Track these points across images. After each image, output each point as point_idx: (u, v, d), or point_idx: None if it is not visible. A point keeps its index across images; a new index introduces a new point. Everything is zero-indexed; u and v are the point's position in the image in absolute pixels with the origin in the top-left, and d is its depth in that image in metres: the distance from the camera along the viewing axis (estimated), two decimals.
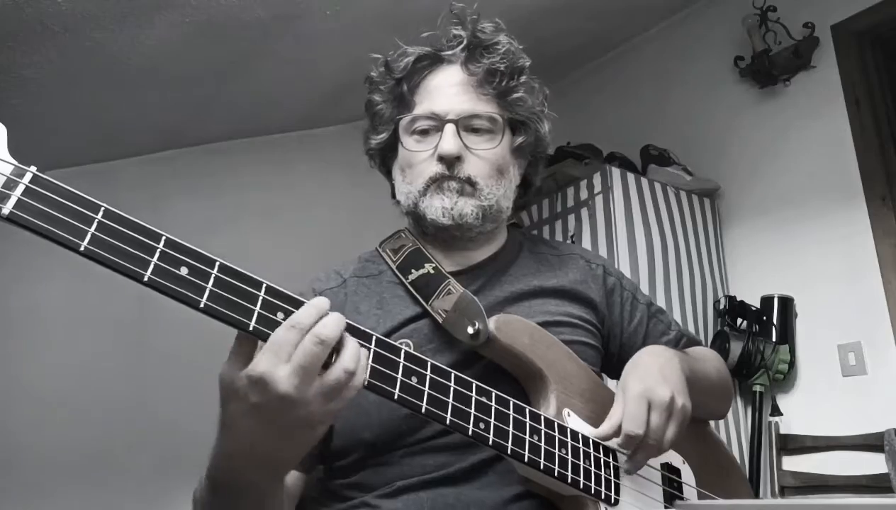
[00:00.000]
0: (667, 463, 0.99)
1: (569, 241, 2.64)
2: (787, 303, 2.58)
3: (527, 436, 0.82)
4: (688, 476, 1.01)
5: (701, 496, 1.01)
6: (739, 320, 2.64)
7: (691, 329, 2.62)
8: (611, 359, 1.11)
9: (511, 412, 0.82)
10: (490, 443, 0.78)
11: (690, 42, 3.19)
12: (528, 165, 1.11)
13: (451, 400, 0.76)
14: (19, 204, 0.56)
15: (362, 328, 0.72)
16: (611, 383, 1.03)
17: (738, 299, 2.67)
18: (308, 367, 0.62)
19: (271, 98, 2.85)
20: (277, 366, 0.62)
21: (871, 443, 2.26)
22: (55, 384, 2.37)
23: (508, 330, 0.91)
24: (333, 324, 0.65)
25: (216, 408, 0.69)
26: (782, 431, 2.51)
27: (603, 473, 0.88)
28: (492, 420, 0.79)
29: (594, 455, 0.88)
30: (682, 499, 0.97)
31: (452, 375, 0.78)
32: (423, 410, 0.74)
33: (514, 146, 1.05)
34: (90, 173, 2.56)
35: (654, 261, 2.61)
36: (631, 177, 2.70)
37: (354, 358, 0.65)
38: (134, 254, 0.60)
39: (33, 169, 0.58)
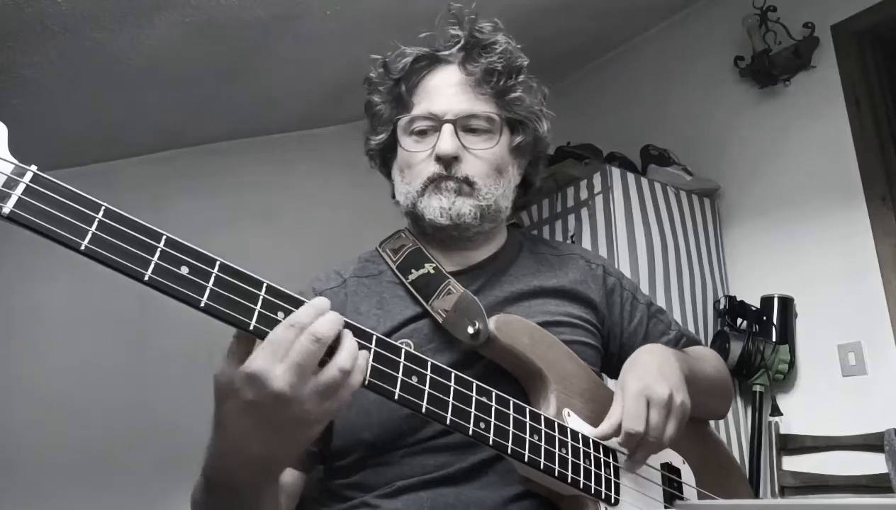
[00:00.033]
0: (667, 463, 0.99)
1: (569, 241, 2.64)
2: (787, 303, 2.59)
3: (527, 436, 0.82)
4: (688, 476, 1.01)
5: (701, 496, 1.01)
6: (739, 320, 2.65)
7: (691, 329, 2.62)
8: (611, 359, 1.11)
9: (511, 412, 0.82)
10: (490, 442, 0.78)
11: (690, 42, 3.19)
12: (528, 165, 1.11)
13: (451, 399, 0.76)
14: (20, 203, 0.56)
15: (363, 328, 0.72)
16: (611, 383, 1.03)
17: (738, 299, 2.67)
18: (303, 365, 0.62)
19: (271, 98, 2.85)
20: (273, 364, 0.62)
21: (871, 443, 2.27)
22: (56, 384, 2.37)
23: (508, 330, 0.91)
24: (330, 322, 0.64)
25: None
26: (782, 431, 2.51)
27: (603, 473, 0.88)
28: (492, 420, 0.79)
29: (594, 455, 0.88)
30: (682, 499, 0.97)
31: (453, 375, 0.78)
32: (424, 410, 0.74)
33: (513, 145, 1.05)
34: (90, 173, 2.56)
35: (654, 261, 2.61)
36: (631, 177, 2.70)
37: (350, 357, 0.65)
38: (135, 253, 0.60)
39: (34, 168, 0.58)
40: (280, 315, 0.66)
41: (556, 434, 0.85)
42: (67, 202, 0.58)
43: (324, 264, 1.11)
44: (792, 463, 2.48)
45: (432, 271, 1.01)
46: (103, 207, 0.60)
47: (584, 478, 0.85)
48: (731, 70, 2.92)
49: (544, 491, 0.87)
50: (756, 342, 2.49)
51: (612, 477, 0.89)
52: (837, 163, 2.58)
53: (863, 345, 2.42)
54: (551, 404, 0.90)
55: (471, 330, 0.90)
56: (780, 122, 2.78)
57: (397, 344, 0.75)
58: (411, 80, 1.05)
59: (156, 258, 0.61)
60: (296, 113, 3.11)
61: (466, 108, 1.01)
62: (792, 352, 2.54)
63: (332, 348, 0.66)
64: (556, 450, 0.84)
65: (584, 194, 2.74)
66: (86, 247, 0.58)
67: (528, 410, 0.84)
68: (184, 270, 0.62)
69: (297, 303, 0.67)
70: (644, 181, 2.74)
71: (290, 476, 0.91)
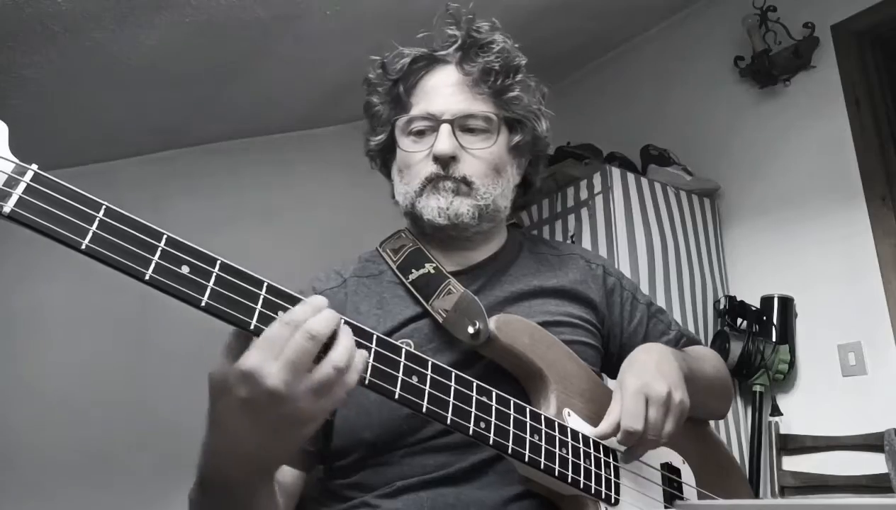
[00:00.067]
0: (667, 463, 0.99)
1: (569, 241, 2.64)
2: (787, 303, 2.59)
3: (527, 436, 0.82)
4: (688, 476, 1.01)
5: (701, 496, 1.01)
6: (739, 320, 2.65)
7: (691, 329, 2.62)
8: (611, 359, 1.11)
9: (512, 412, 0.82)
10: (491, 442, 0.78)
11: (690, 42, 3.20)
12: (528, 165, 1.11)
13: (451, 399, 0.76)
14: (21, 202, 0.56)
15: (363, 327, 0.72)
16: (611, 383, 1.03)
17: (738, 299, 2.68)
18: (297, 362, 0.61)
19: (271, 98, 2.85)
20: (268, 361, 0.61)
21: (871, 443, 2.27)
22: (56, 383, 2.37)
23: (509, 330, 0.91)
24: (325, 319, 0.64)
25: None
26: (782, 431, 2.51)
27: (603, 473, 0.88)
28: (492, 419, 0.79)
29: (594, 455, 0.88)
30: (682, 499, 0.97)
31: (453, 375, 0.78)
32: (424, 410, 0.74)
33: (511, 145, 1.05)
34: (91, 173, 2.56)
35: (654, 261, 2.61)
36: (631, 177, 2.71)
37: (345, 355, 0.64)
38: (135, 252, 0.60)
39: (35, 167, 0.58)
40: (281, 314, 0.66)
41: (557, 434, 0.85)
42: (68, 201, 0.58)
43: (324, 264, 1.11)
44: (792, 463, 2.48)
45: (433, 271, 1.01)
46: (104, 206, 0.60)
47: (584, 478, 0.85)
48: (731, 70, 2.93)
49: (544, 491, 0.87)
50: (756, 342, 2.49)
51: (613, 477, 0.89)
52: (837, 163, 2.58)
53: (863, 345, 2.42)
54: (551, 404, 0.90)
55: (471, 330, 0.90)
56: (780, 122, 2.78)
57: (398, 343, 0.75)
58: (409, 81, 1.05)
59: (156, 257, 0.61)
60: (296, 113, 3.11)
61: (464, 108, 1.01)
62: (792, 352, 2.54)
63: (330, 346, 0.65)
64: (557, 450, 0.84)
65: (584, 194, 2.74)
66: (87, 246, 0.58)
67: (528, 410, 0.84)
68: (185, 270, 0.62)
69: (298, 303, 0.67)
70: (644, 181, 2.74)
71: (289, 476, 0.91)
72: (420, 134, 1.02)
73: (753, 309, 2.61)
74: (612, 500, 0.88)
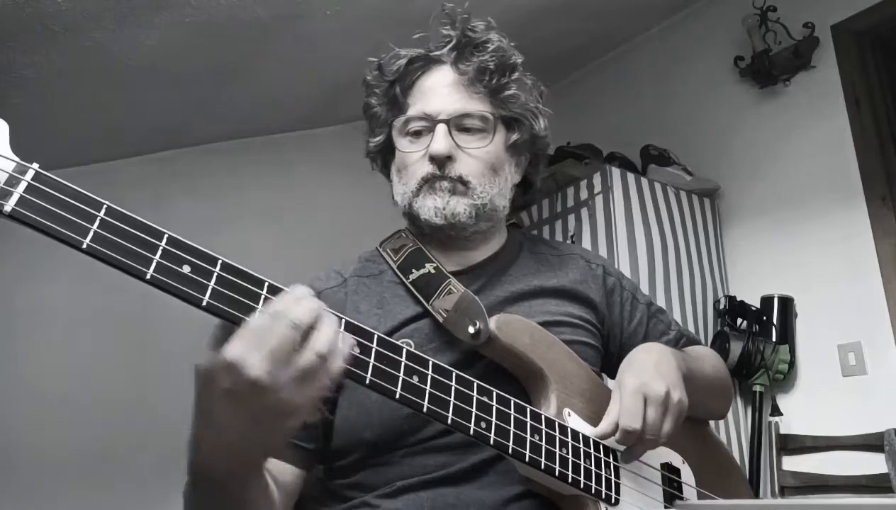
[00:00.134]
0: (667, 463, 0.99)
1: (569, 241, 2.64)
2: (787, 304, 2.59)
3: (528, 436, 0.82)
4: (688, 476, 1.01)
5: (701, 496, 1.01)
6: (739, 320, 2.65)
7: (691, 329, 2.62)
8: (611, 359, 1.11)
9: (512, 411, 0.82)
10: (491, 442, 0.78)
11: (690, 42, 3.19)
12: (528, 164, 1.11)
13: (452, 399, 0.76)
14: (22, 201, 0.56)
15: (364, 327, 0.72)
16: (611, 383, 1.03)
17: (738, 299, 2.67)
18: (278, 351, 0.61)
19: (271, 98, 2.85)
20: (250, 351, 0.60)
21: (871, 443, 2.27)
22: (57, 383, 2.37)
23: (509, 329, 0.91)
24: (307, 308, 0.63)
25: None
26: (782, 431, 2.51)
27: (603, 473, 0.88)
28: (493, 419, 0.79)
29: (594, 455, 0.88)
30: (682, 499, 0.97)
31: (454, 375, 0.78)
32: (425, 409, 0.74)
33: (509, 143, 1.05)
34: (91, 173, 2.56)
35: (654, 261, 2.61)
36: (631, 177, 2.71)
37: (327, 341, 0.63)
38: (136, 251, 0.60)
39: (36, 166, 0.58)
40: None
41: (557, 434, 0.85)
42: (69, 200, 0.58)
43: (324, 264, 1.11)
44: (792, 463, 2.48)
45: (433, 271, 1.01)
46: (105, 206, 0.60)
47: (584, 478, 0.85)
48: (731, 70, 2.92)
49: (545, 491, 0.87)
50: (756, 342, 2.49)
51: (613, 477, 0.89)
52: (837, 163, 2.58)
53: (863, 345, 2.42)
54: (552, 404, 0.90)
55: (471, 329, 0.90)
56: (780, 122, 2.78)
57: (399, 343, 0.75)
58: (406, 82, 1.05)
59: (158, 257, 0.61)
60: (296, 113, 3.11)
61: (460, 108, 1.01)
62: (792, 352, 2.54)
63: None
64: (557, 450, 0.84)
65: (584, 194, 2.74)
66: (88, 245, 0.58)
67: (528, 410, 0.84)
68: (186, 269, 0.62)
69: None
70: (644, 181, 2.74)
71: (288, 474, 0.91)
72: (417, 134, 1.02)
73: (753, 309, 2.61)
74: (613, 500, 0.88)
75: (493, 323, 0.90)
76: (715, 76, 3.03)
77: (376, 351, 0.72)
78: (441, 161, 0.99)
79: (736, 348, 2.49)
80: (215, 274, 0.64)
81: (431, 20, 1.06)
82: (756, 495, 2.30)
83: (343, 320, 0.70)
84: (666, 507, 0.93)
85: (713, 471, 1.07)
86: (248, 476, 0.72)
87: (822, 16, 2.67)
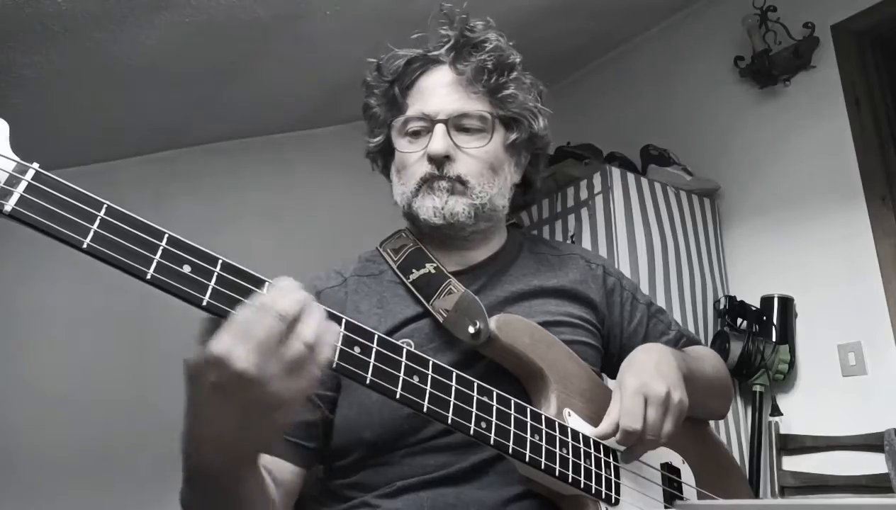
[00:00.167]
0: (667, 463, 0.99)
1: (569, 241, 2.64)
2: (787, 304, 2.59)
3: (528, 436, 0.82)
4: (688, 476, 1.01)
5: (701, 496, 1.01)
6: (739, 320, 2.65)
7: (691, 329, 2.62)
8: (611, 359, 1.11)
9: (512, 411, 0.82)
10: (492, 442, 0.78)
11: (690, 42, 3.19)
12: (528, 164, 1.11)
13: (452, 399, 0.76)
14: (22, 200, 0.56)
15: (365, 327, 0.72)
16: (611, 383, 1.03)
17: (738, 299, 2.67)
18: (264, 343, 0.60)
19: (271, 98, 2.85)
20: (236, 344, 0.60)
21: (871, 443, 2.27)
22: (57, 383, 2.37)
23: (509, 329, 0.91)
24: (293, 299, 0.63)
25: None
26: (782, 431, 2.51)
27: (603, 473, 0.88)
28: (493, 419, 0.79)
29: (595, 455, 0.88)
30: (682, 499, 0.97)
31: (454, 375, 0.78)
32: (426, 409, 0.74)
33: (508, 143, 1.05)
34: (91, 173, 2.56)
35: (654, 261, 2.61)
36: (631, 177, 2.71)
37: (314, 331, 0.63)
38: (137, 251, 0.60)
39: (36, 165, 0.58)
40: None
41: (557, 434, 0.85)
42: (70, 200, 0.58)
43: (324, 264, 1.11)
44: (792, 463, 2.48)
45: (433, 271, 1.01)
46: (105, 205, 0.60)
47: (584, 478, 0.85)
48: (731, 70, 2.92)
49: (545, 491, 0.87)
50: (756, 342, 2.49)
51: (613, 477, 0.89)
52: (837, 163, 2.58)
53: (863, 345, 2.42)
54: (552, 404, 0.90)
55: (471, 329, 0.90)
56: (781, 122, 2.78)
57: (399, 343, 0.75)
58: (404, 82, 1.05)
59: (158, 256, 0.61)
60: (296, 113, 3.11)
61: (458, 108, 1.01)
62: (792, 352, 2.54)
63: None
64: (557, 450, 0.84)
65: (584, 194, 2.74)
66: (88, 245, 0.58)
67: (529, 410, 0.84)
68: (186, 269, 0.62)
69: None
70: (644, 181, 2.74)
71: (287, 472, 0.91)
72: (416, 134, 1.03)
73: (753, 309, 2.61)
74: (613, 500, 0.88)
75: (493, 323, 0.90)
76: (715, 76, 3.03)
77: (376, 351, 0.72)
78: (439, 161, 0.99)
79: (736, 348, 2.49)
80: (216, 274, 0.63)
81: (430, 20, 1.06)
82: (756, 495, 2.30)
83: (343, 320, 0.70)
84: (666, 507, 0.93)
85: (713, 471, 1.07)
86: (242, 470, 0.71)
87: (822, 16, 2.67)
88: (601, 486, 0.87)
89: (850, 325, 2.46)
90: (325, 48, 2.52)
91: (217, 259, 0.64)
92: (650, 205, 2.70)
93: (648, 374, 0.91)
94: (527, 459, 0.81)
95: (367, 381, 0.70)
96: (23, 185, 0.57)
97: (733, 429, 2.59)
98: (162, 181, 2.79)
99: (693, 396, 0.95)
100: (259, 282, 0.66)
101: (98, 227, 0.59)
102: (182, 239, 0.63)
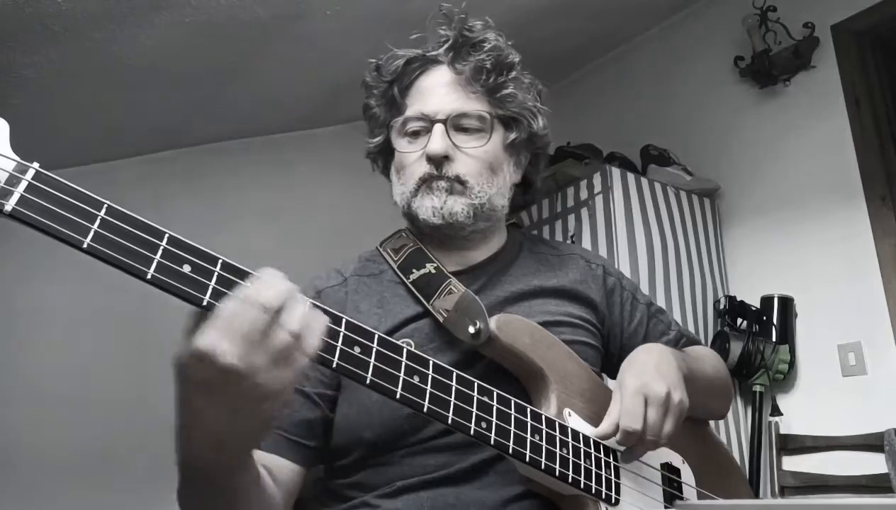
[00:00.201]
0: (667, 463, 0.99)
1: (569, 241, 2.64)
2: (787, 304, 2.59)
3: (528, 436, 0.82)
4: (688, 476, 1.01)
5: (701, 496, 1.01)
6: (739, 320, 2.65)
7: (691, 329, 2.62)
8: (611, 359, 1.11)
9: (512, 411, 0.82)
10: (492, 442, 0.78)
11: (690, 42, 3.20)
12: (528, 163, 1.11)
13: (453, 399, 0.76)
14: (22, 200, 0.56)
15: (365, 326, 0.72)
16: (611, 383, 1.04)
17: (738, 299, 2.68)
18: (249, 335, 0.60)
19: (271, 98, 2.85)
20: (221, 338, 0.60)
21: (871, 443, 2.27)
22: (57, 383, 2.37)
23: (509, 329, 0.91)
24: (277, 289, 0.62)
25: None
26: (782, 431, 2.51)
27: (604, 473, 0.88)
28: (493, 419, 0.79)
29: (595, 455, 0.88)
30: (682, 499, 0.97)
31: (454, 374, 0.78)
32: (426, 409, 0.74)
33: (507, 143, 1.05)
34: (92, 173, 2.56)
35: (654, 261, 2.61)
36: (631, 177, 2.71)
37: (299, 320, 0.62)
38: (137, 251, 0.60)
39: (36, 165, 0.58)
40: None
41: (557, 434, 0.85)
42: (70, 200, 0.58)
43: (324, 264, 1.11)
44: (792, 463, 2.48)
45: (433, 271, 1.01)
46: (106, 205, 0.60)
47: (584, 478, 0.85)
48: (731, 70, 2.93)
49: (545, 491, 0.87)
50: (756, 342, 2.50)
51: (613, 477, 0.89)
52: (837, 163, 2.58)
53: (863, 345, 2.42)
54: (552, 404, 0.90)
55: (472, 329, 0.90)
56: (781, 122, 2.78)
57: (399, 343, 0.75)
58: (403, 82, 1.05)
59: (158, 256, 0.61)
60: (296, 113, 3.11)
61: (457, 108, 1.01)
62: (792, 352, 2.54)
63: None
64: (557, 450, 0.84)
65: (584, 194, 2.74)
66: (88, 244, 0.58)
67: (529, 410, 0.84)
68: (186, 269, 0.62)
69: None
70: (644, 181, 2.74)
71: (286, 470, 0.91)
72: (415, 134, 1.03)
73: (753, 309, 2.61)
74: (613, 500, 0.88)
75: (493, 323, 0.90)
76: (715, 76, 3.03)
77: (377, 351, 0.72)
78: (438, 161, 0.99)
79: (736, 348, 2.49)
80: (216, 273, 0.63)
81: (429, 20, 1.06)
82: (756, 495, 2.30)
83: (344, 320, 0.70)
84: (666, 507, 0.93)
85: (713, 472, 1.07)
86: (235, 465, 0.71)
87: (822, 16, 2.67)
88: (601, 486, 0.87)
89: (850, 325, 2.46)
90: (325, 48, 2.52)
91: (217, 259, 0.64)
92: (650, 205, 2.70)
93: (649, 375, 0.91)
94: (527, 459, 0.81)
95: (368, 381, 0.70)
96: (23, 185, 0.57)
97: (733, 429, 2.60)
98: (162, 181, 2.79)
99: (693, 396, 0.95)
100: (244, 275, 0.65)
101: (98, 227, 0.59)
102: (182, 238, 0.63)
